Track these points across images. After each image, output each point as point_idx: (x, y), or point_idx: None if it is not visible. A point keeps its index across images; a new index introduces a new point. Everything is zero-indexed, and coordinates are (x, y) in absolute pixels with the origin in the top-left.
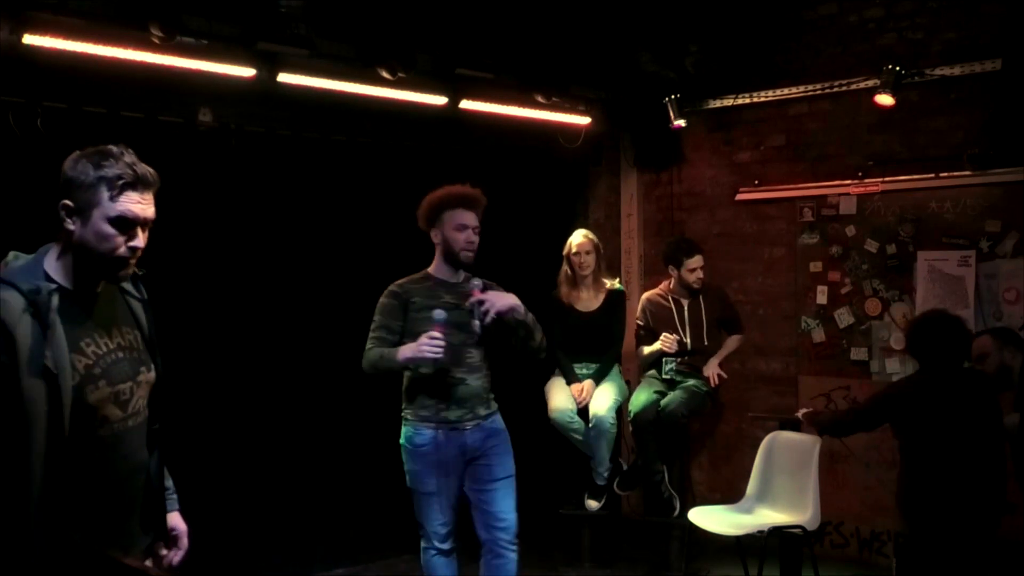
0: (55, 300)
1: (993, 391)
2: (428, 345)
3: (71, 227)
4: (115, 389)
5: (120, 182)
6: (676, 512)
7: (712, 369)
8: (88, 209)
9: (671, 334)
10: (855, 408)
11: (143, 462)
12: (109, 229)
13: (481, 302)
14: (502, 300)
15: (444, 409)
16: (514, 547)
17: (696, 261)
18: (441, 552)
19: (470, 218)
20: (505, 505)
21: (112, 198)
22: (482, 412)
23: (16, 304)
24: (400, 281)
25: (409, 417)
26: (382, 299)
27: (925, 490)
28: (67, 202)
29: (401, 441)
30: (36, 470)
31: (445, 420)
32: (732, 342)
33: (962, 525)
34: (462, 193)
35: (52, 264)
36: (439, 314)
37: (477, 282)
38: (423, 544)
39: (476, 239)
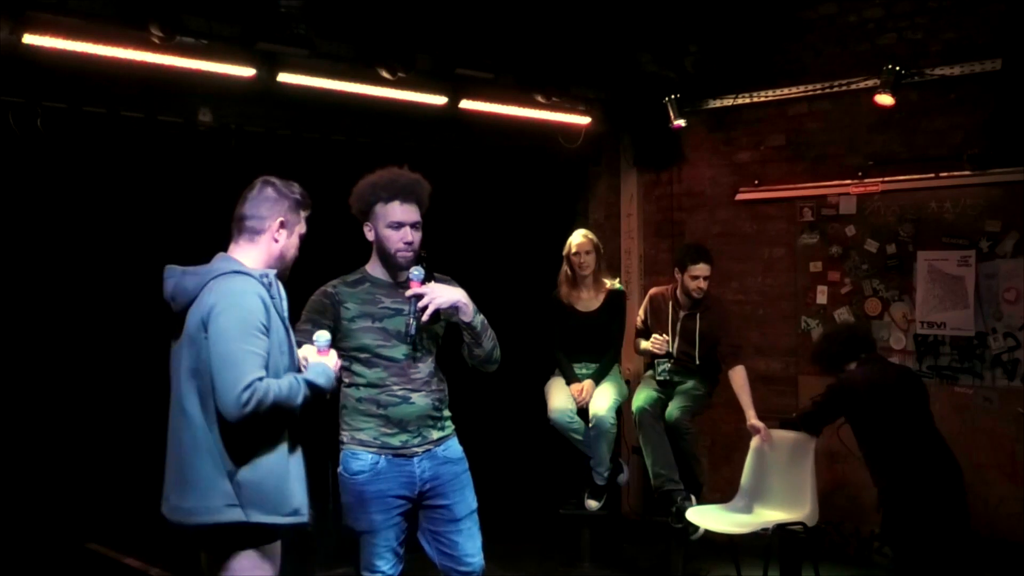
0: (276, 281)
1: (919, 379)
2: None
3: (279, 238)
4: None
5: (309, 210)
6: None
7: (756, 427)
8: (294, 227)
9: (662, 335)
10: (814, 400)
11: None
12: (298, 243)
13: (419, 296)
14: (444, 295)
15: (387, 434)
16: None
17: (700, 269)
18: None
19: (407, 212)
20: (470, 547)
21: (305, 220)
22: (433, 436)
23: (259, 285)
24: (333, 282)
25: (345, 440)
26: (312, 297)
27: (894, 473)
28: (283, 219)
29: (339, 469)
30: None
31: (387, 445)
32: (740, 379)
33: (935, 506)
34: (394, 181)
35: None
36: (322, 338)
37: (417, 272)
38: None
39: (416, 236)
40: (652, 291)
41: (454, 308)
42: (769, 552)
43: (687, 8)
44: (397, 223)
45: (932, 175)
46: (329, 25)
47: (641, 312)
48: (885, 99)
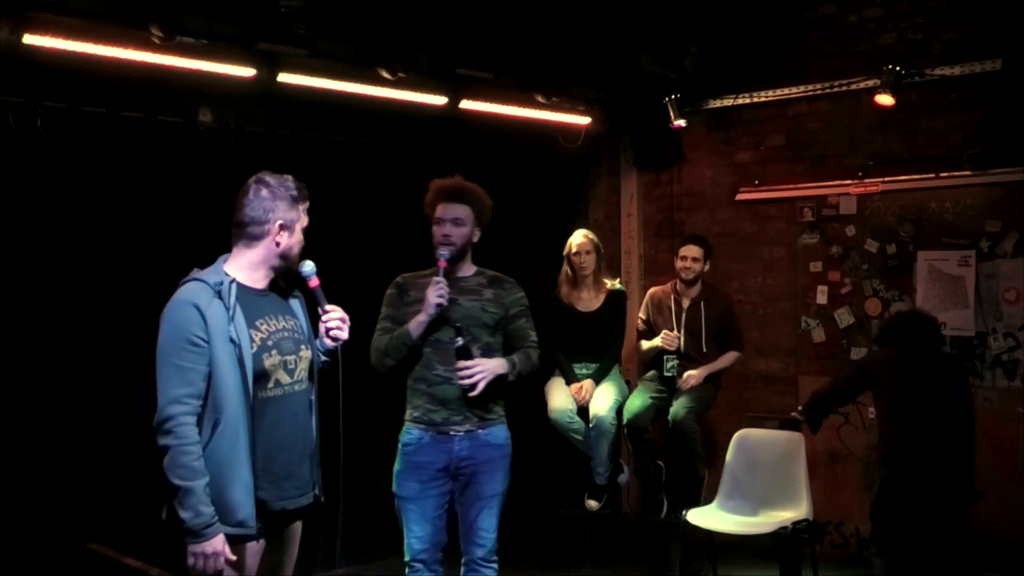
0: (234, 288)
1: (966, 378)
2: (432, 292)
3: (281, 240)
4: (284, 358)
5: (307, 201)
6: (663, 513)
7: (695, 377)
8: (294, 224)
9: (672, 332)
10: (836, 378)
11: (307, 421)
12: (302, 237)
13: (467, 366)
14: (489, 368)
15: (432, 411)
16: (492, 564)
17: (688, 250)
18: (413, 569)
19: (448, 211)
20: (487, 523)
21: (305, 212)
22: (475, 419)
23: (206, 293)
24: (406, 274)
25: (405, 419)
26: (388, 290)
27: (901, 457)
28: (281, 221)
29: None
30: (231, 420)
31: (432, 422)
32: (728, 358)
33: (935, 494)
34: (440, 185)
35: (231, 267)
36: (307, 267)
37: (459, 340)
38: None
39: (455, 232)
40: (651, 290)
41: (499, 377)
42: (780, 552)
43: (687, 8)
44: (439, 219)
45: (932, 175)
46: (329, 25)
47: (642, 313)
48: (885, 99)
